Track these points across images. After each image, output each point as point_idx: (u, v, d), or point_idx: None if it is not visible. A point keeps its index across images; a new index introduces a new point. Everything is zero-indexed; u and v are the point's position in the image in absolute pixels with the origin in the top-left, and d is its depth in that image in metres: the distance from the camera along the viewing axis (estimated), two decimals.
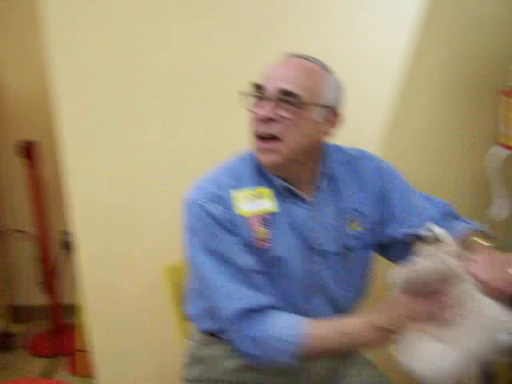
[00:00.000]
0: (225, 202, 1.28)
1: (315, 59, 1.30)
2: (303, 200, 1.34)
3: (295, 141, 1.25)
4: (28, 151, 2.75)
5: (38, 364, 2.77)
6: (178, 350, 1.64)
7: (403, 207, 1.40)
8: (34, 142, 2.76)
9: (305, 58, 1.29)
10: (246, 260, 1.27)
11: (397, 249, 1.41)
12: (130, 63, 1.86)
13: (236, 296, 1.25)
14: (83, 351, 2.39)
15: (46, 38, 1.81)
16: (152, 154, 1.91)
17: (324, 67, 1.31)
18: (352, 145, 1.48)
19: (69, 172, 1.91)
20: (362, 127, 1.87)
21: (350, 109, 1.40)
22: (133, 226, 1.96)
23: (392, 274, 1.16)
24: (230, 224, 1.27)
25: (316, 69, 1.28)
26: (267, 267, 1.29)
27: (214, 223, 1.27)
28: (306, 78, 1.25)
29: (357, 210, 1.38)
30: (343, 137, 1.42)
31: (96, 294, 2.01)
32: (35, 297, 3.10)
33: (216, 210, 1.27)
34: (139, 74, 1.86)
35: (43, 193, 2.83)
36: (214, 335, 1.42)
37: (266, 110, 1.24)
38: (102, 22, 1.83)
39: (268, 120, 1.24)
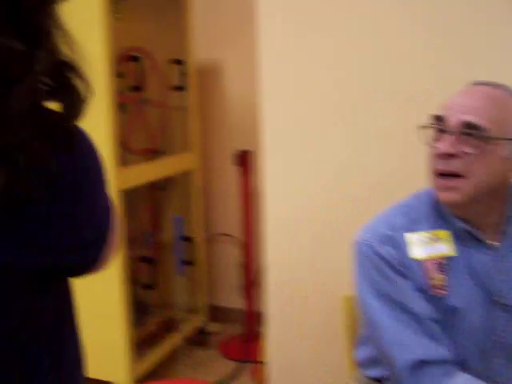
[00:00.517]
0: (398, 244, 1.20)
1: (506, 87, 1.15)
2: (486, 245, 1.19)
3: (479, 178, 1.12)
4: (241, 159, 2.87)
5: (226, 366, 2.87)
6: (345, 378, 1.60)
7: None
8: (248, 151, 2.88)
9: (493, 86, 1.15)
10: (422, 306, 1.17)
11: None
12: (335, 82, 1.83)
13: (411, 345, 1.16)
14: (263, 362, 2.41)
15: (259, 51, 1.87)
16: (346, 186, 1.88)
17: None
18: None
19: (265, 185, 1.96)
20: None
21: None
22: (318, 248, 1.94)
23: None
24: (402, 267, 1.19)
25: (506, 98, 1.13)
26: (440, 318, 1.18)
27: (385, 266, 1.20)
28: (494, 108, 1.11)
29: None
30: None
31: (279, 308, 2.03)
32: (234, 300, 3.23)
33: (388, 252, 1.20)
34: (345, 94, 1.82)
35: (251, 200, 2.93)
36: (378, 380, 1.35)
37: (446, 145, 1.12)
38: (312, 39, 1.83)
39: (448, 156, 1.13)
